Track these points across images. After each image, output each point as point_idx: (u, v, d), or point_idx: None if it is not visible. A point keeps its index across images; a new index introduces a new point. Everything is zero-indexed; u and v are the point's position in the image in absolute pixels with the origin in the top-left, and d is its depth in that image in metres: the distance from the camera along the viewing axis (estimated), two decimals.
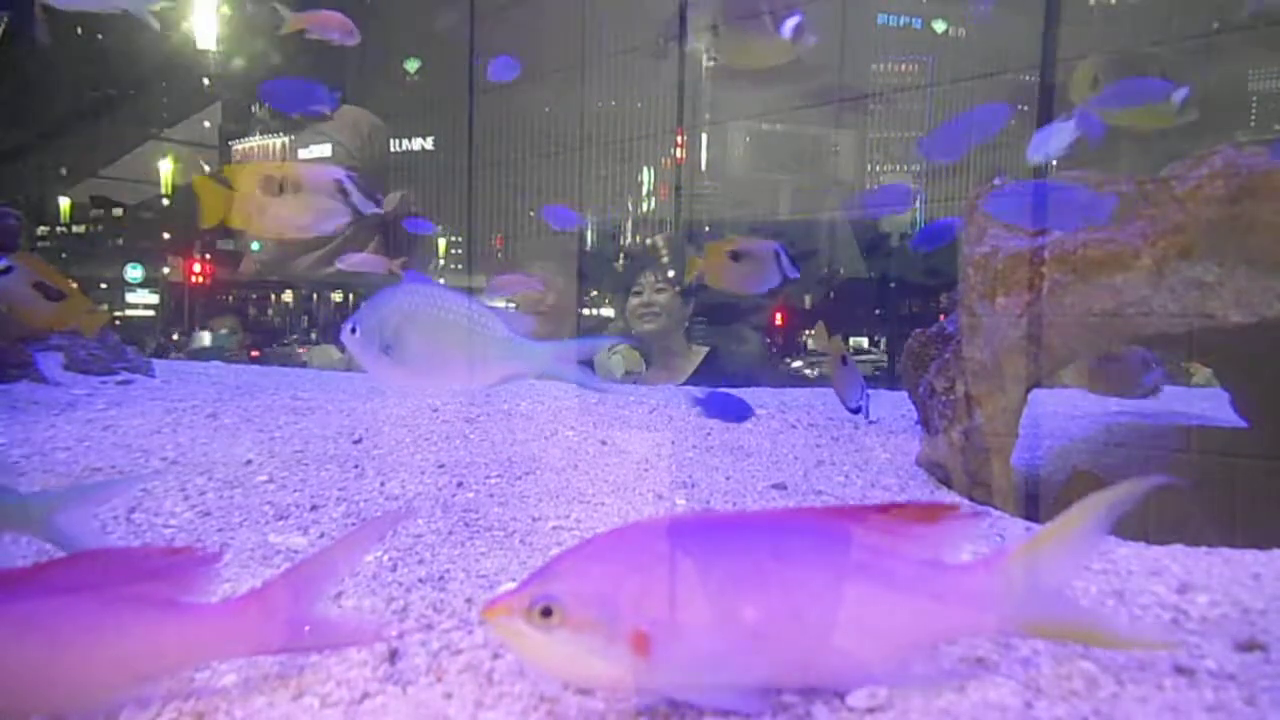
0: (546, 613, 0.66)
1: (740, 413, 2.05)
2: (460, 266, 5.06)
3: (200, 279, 5.74)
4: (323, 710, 0.71)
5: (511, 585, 0.98)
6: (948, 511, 0.73)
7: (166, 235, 6.19)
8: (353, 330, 1.25)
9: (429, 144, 5.03)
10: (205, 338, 5.11)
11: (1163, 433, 2.16)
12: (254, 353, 5.08)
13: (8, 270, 1.79)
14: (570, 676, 0.72)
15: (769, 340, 4.70)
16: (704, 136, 5.56)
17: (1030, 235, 1.57)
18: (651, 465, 1.74)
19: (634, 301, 3.53)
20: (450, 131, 5.15)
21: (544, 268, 4.00)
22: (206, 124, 6.35)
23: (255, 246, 6.19)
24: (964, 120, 1.90)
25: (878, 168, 5.88)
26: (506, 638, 0.68)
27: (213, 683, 0.75)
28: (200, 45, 4.65)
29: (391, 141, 5.06)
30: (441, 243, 5.09)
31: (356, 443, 1.79)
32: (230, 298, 5.98)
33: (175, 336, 5.32)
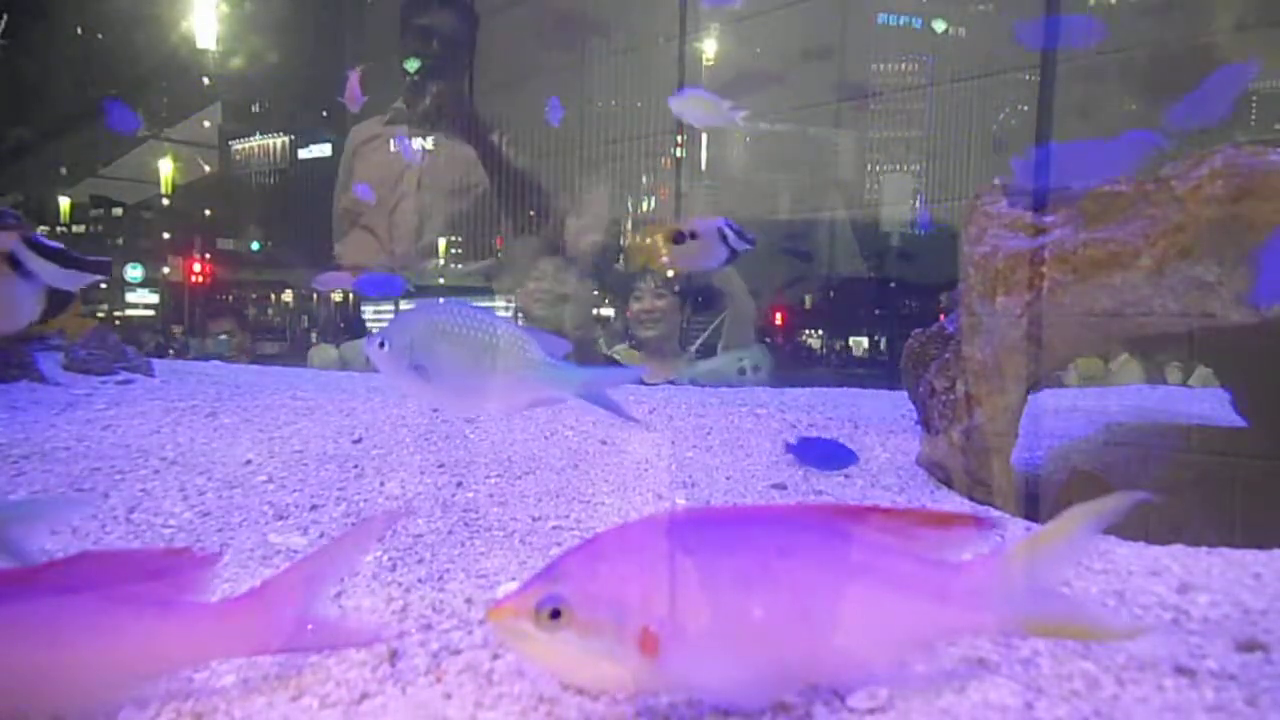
0: (554, 614, 0.65)
1: (840, 459, 1.76)
2: (460, 266, 5.07)
3: (200, 279, 5.75)
4: (322, 711, 0.71)
5: (512, 585, 0.98)
6: (960, 520, 0.73)
7: (166, 235, 6.19)
8: (381, 345, 1.22)
9: (429, 144, 5.04)
10: (208, 344, 5.13)
11: (1163, 432, 2.16)
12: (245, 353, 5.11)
13: None
14: (578, 678, 0.71)
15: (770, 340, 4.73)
16: (704, 136, 5.56)
17: (1030, 235, 1.57)
18: (651, 465, 1.74)
19: (635, 307, 3.64)
20: (449, 132, 5.16)
21: (544, 262, 4.03)
22: (206, 124, 6.36)
23: (255, 246, 6.20)
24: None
25: (878, 168, 5.88)
26: (512, 639, 0.67)
27: (211, 683, 0.75)
28: (200, 45, 4.66)
29: (392, 142, 5.08)
30: (441, 243, 5.10)
31: (356, 443, 1.79)
32: (230, 297, 5.99)
33: (176, 334, 5.32)
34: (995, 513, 1.52)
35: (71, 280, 1.16)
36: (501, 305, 4.52)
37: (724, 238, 1.91)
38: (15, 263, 1.11)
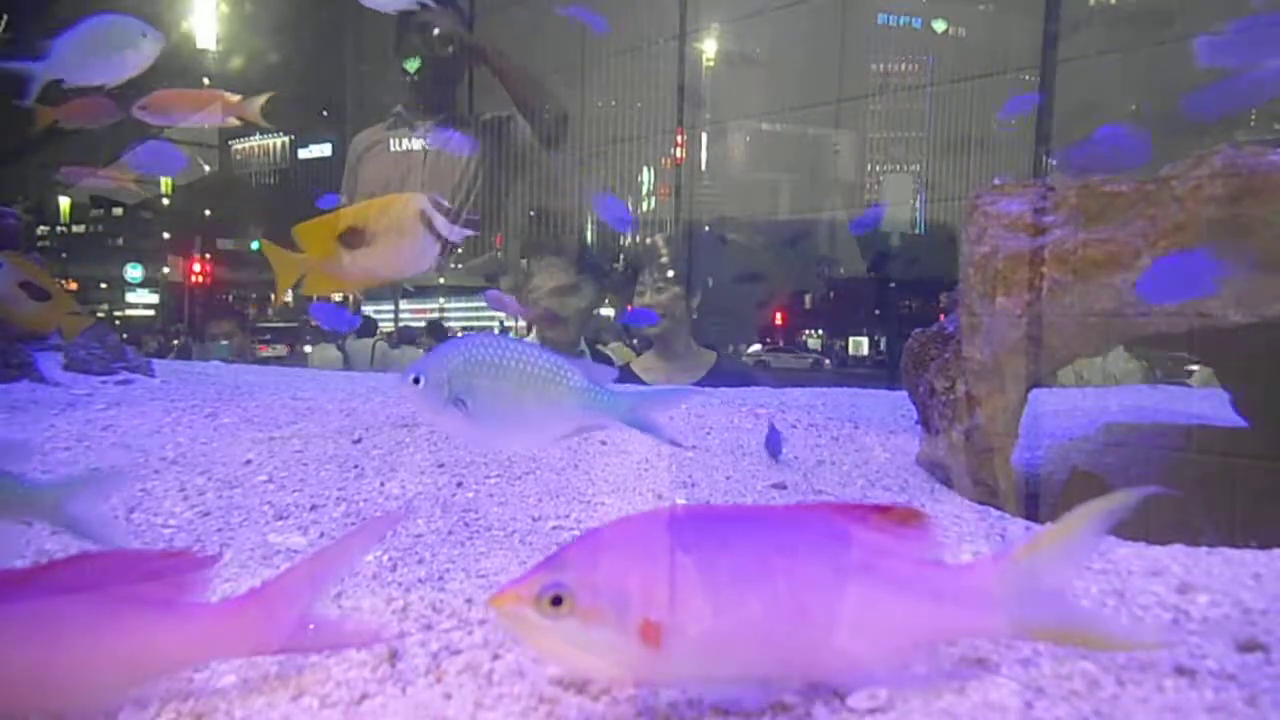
0: (556, 601, 0.65)
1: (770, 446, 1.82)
2: (459, 266, 5.07)
3: (200, 279, 5.75)
4: (322, 710, 0.71)
5: None
6: (923, 516, 0.72)
7: (166, 235, 6.19)
8: (415, 380, 1.16)
9: (429, 144, 5.04)
10: (210, 349, 5.13)
11: (1163, 432, 2.16)
12: (262, 348, 5.10)
13: None
14: (578, 667, 0.71)
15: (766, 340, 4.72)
16: (704, 136, 5.57)
17: (1030, 235, 1.57)
18: (651, 465, 1.74)
19: (637, 302, 3.55)
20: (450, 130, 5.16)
21: (540, 262, 4.02)
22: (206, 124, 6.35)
23: (255, 246, 6.19)
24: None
25: (878, 168, 5.89)
26: (513, 626, 0.67)
27: (212, 683, 0.75)
28: (200, 45, 4.65)
29: (391, 142, 5.08)
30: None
31: (356, 443, 1.79)
32: (230, 297, 5.99)
33: (176, 340, 5.33)
34: (995, 513, 1.52)
35: (457, 234, 1.40)
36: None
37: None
38: (426, 219, 1.36)
